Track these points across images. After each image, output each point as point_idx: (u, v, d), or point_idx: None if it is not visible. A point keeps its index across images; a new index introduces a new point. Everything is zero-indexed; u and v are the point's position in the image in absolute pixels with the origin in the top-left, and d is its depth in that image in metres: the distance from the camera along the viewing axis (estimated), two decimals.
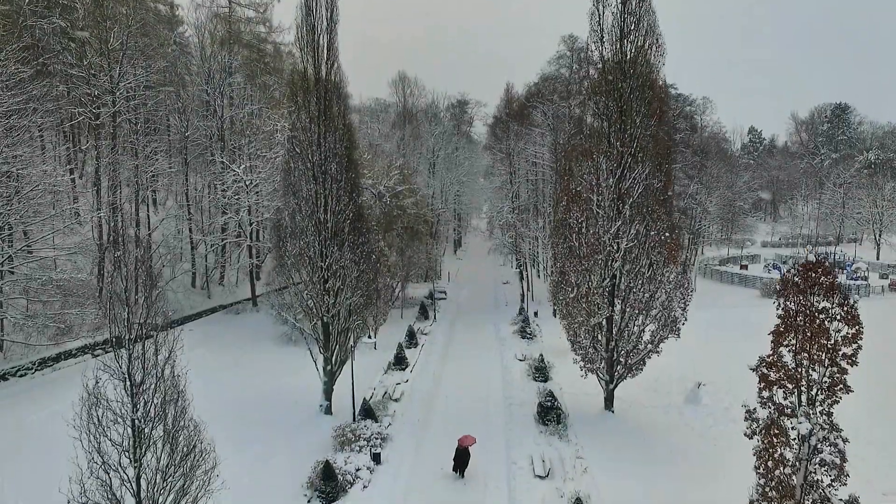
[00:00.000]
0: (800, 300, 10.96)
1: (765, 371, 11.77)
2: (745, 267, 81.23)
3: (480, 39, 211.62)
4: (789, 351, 11.46)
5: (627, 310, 26.96)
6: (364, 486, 22.54)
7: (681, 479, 23.15)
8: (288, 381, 35.97)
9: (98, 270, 45.49)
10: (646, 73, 26.64)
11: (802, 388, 11.42)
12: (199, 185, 62.98)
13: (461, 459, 23.18)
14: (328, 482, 21.27)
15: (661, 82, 27.17)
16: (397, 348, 38.85)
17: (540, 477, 22.96)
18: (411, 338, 43.30)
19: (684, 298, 26.99)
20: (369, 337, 29.83)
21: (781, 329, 11.33)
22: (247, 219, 56.89)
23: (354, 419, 27.65)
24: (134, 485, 13.68)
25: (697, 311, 39.24)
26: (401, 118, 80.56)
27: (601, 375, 29.38)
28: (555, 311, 54.76)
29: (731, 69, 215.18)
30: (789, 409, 11.35)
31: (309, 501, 21.32)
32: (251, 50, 76.67)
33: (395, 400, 32.02)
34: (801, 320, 10.90)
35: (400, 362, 37.91)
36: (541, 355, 36.63)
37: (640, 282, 26.40)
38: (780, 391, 11.66)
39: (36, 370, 38.58)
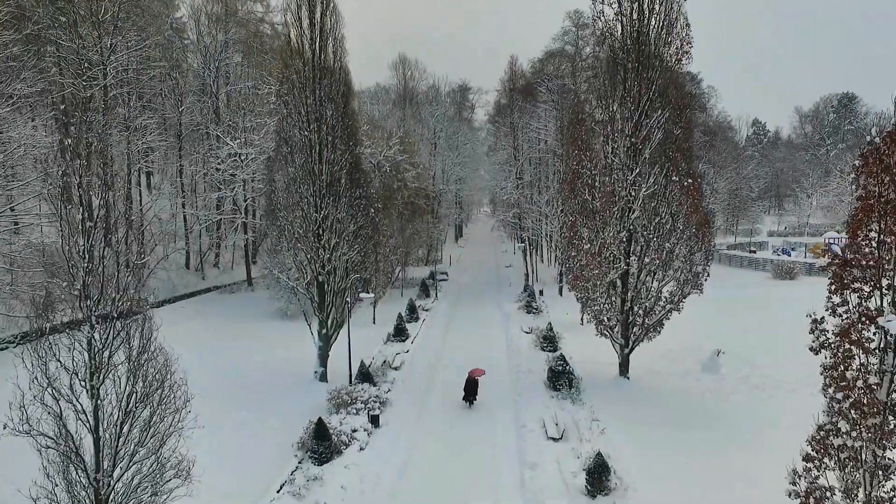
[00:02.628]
0: (883, 178, 9.00)
1: (838, 270, 9.83)
2: (754, 252, 79.48)
3: (482, 33, 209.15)
4: (866, 246, 9.53)
5: (645, 265, 24.99)
6: (361, 448, 20.59)
7: (704, 442, 21.25)
8: (282, 352, 34.19)
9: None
10: (667, 10, 24.68)
11: (884, 290, 9.48)
12: (194, 166, 60.96)
13: (470, 389, 25.30)
14: (321, 442, 19.33)
15: (682, 21, 25.15)
16: (397, 319, 36.91)
17: (553, 439, 21.01)
18: (412, 311, 41.36)
19: (707, 251, 25.03)
20: (367, 292, 27.86)
21: (860, 216, 9.39)
22: (242, 194, 54.94)
23: (351, 383, 25.72)
24: (91, 418, 11.73)
25: (710, 289, 37.87)
26: (401, 98, 78.44)
27: (616, 339, 27.46)
28: (560, 289, 52.97)
29: (743, 19, 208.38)
30: (872, 312, 9.40)
31: (300, 462, 19.36)
32: (247, 30, 74.81)
33: (395, 368, 30.09)
34: (886, 203, 8.94)
35: (400, 333, 35.97)
36: (549, 324, 34.70)
37: (659, 233, 24.41)
38: (854, 296, 9.73)
39: (18, 343, 36.65)
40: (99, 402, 11.78)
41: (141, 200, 58.38)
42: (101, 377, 11.73)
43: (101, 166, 11.67)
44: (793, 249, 78.90)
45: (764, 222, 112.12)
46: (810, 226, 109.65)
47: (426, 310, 45.48)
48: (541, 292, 50.47)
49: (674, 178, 23.91)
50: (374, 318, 41.80)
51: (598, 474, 16.92)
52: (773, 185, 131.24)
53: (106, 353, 11.66)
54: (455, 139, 77.57)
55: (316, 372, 28.27)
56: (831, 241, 76.41)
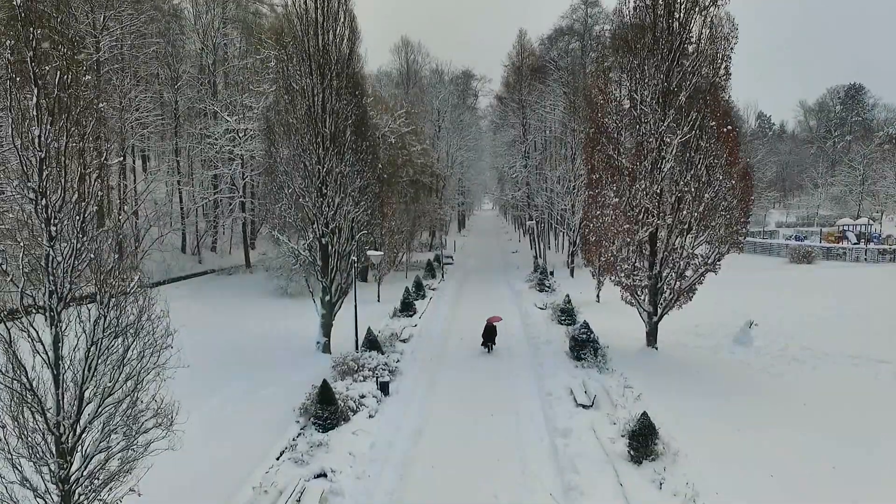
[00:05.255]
0: None
1: None
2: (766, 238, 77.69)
3: (488, 17, 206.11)
4: None
5: (679, 221, 22.84)
6: (370, 415, 18.50)
7: (748, 413, 19.20)
8: (282, 326, 32.27)
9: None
10: None
11: None
12: (190, 142, 58.82)
13: (489, 335, 26.70)
14: (326, 406, 17.22)
15: None
16: (404, 293, 34.78)
17: (584, 406, 18.91)
18: (419, 289, 39.21)
19: (747, 206, 22.92)
20: (375, 249, 25.80)
21: None
22: (240, 172, 52.84)
23: (358, 351, 23.62)
24: (50, 350, 9.62)
25: (729, 271, 36.40)
26: (404, 79, 76.14)
27: (643, 307, 25.35)
28: (572, 270, 50.90)
29: None
30: None
31: (303, 429, 17.26)
32: (246, 10, 72.69)
33: (404, 340, 27.98)
34: None
35: (407, 308, 33.86)
36: (567, 296, 32.54)
37: (694, 186, 22.26)
38: None
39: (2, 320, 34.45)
40: (60, 329, 9.67)
41: (135, 178, 56.42)
42: (64, 298, 9.62)
43: (59, 38, 9.54)
44: (805, 238, 77.22)
45: (771, 214, 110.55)
46: (820, 216, 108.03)
47: (433, 289, 43.43)
48: (551, 273, 48.39)
49: (711, 123, 21.78)
50: (378, 297, 39.73)
51: (643, 437, 14.82)
52: (778, 179, 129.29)
53: (69, 268, 9.55)
54: (460, 122, 75.44)
55: (318, 343, 26.17)
56: (846, 227, 74.83)
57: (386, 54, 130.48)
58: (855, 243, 66.05)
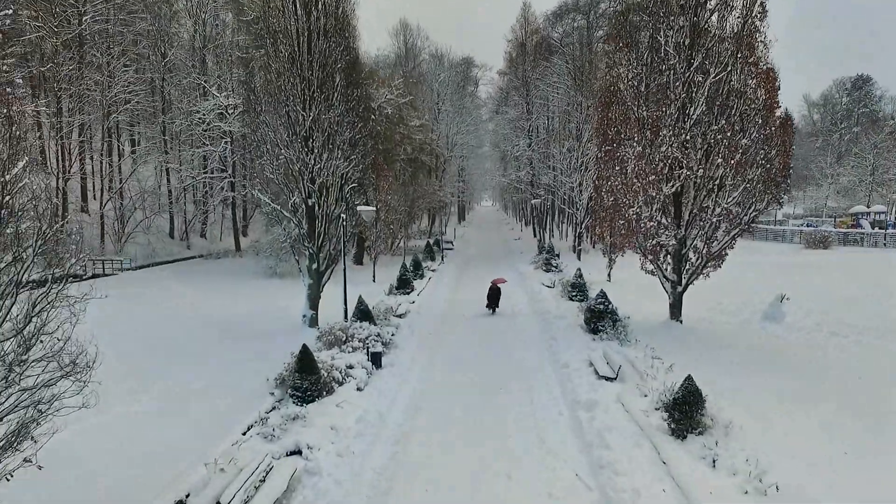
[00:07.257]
0: None
1: None
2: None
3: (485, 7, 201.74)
4: None
5: (709, 179, 20.21)
6: (359, 388, 15.87)
7: (790, 388, 16.59)
8: (269, 302, 29.86)
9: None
10: None
11: None
12: (178, 124, 56.13)
13: (493, 297, 27.05)
14: (306, 376, 14.55)
15: None
16: (401, 270, 32.07)
17: (607, 378, 16.32)
18: (417, 268, 36.55)
19: (787, 158, 20.28)
20: (366, 204, 23.25)
21: None
22: (228, 150, 50.22)
23: (347, 320, 20.98)
24: None
25: (743, 255, 33.90)
26: (402, 61, 73.46)
27: (666, 276, 22.74)
28: (579, 252, 48.35)
29: None
30: None
31: (279, 401, 14.64)
32: None
33: (400, 316, 25.36)
34: None
35: (404, 285, 31.20)
36: (578, 270, 29.93)
37: (727, 135, 19.60)
38: None
39: None
40: None
41: (120, 157, 53.84)
42: None
43: None
44: (817, 226, 74.99)
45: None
46: (828, 207, 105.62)
47: (432, 270, 40.85)
48: (557, 255, 45.82)
49: (750, 60, 19.15)
50: (374, 277, 37.16)
51: (687, 406, 12.18)
52: None
53: None
54: (460, 107, 72.78)
55: (304, 316, 23.56)
56: (860, 215, 72.40)
57: (384, 38, 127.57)
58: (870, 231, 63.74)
